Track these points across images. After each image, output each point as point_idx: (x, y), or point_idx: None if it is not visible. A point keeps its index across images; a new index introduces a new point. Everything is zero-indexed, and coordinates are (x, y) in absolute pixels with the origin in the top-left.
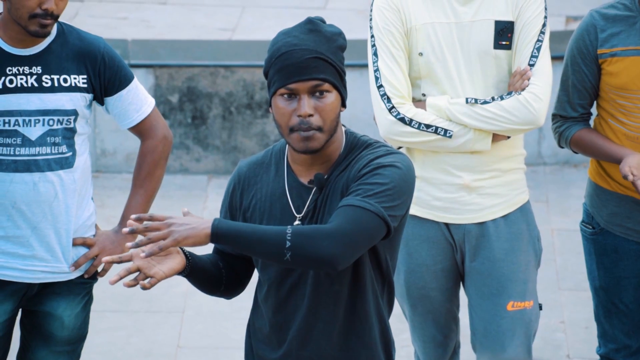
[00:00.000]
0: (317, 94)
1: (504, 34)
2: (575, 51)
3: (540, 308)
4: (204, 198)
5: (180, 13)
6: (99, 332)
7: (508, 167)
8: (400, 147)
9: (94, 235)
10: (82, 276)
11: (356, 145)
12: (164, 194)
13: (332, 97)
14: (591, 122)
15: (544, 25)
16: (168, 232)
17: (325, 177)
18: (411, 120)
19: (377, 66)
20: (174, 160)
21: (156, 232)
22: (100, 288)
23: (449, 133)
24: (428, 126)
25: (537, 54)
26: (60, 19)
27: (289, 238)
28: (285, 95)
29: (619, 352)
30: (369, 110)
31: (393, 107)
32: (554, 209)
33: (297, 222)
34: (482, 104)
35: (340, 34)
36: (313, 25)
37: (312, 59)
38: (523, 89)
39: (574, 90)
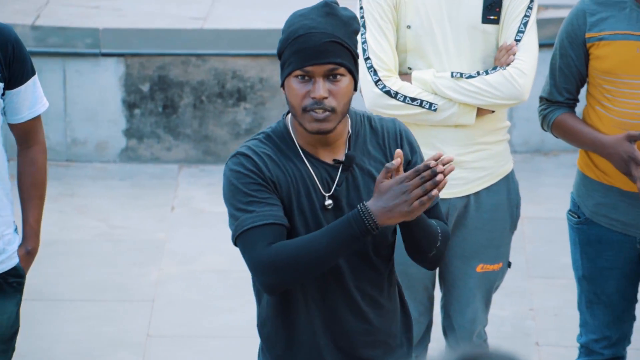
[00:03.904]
0: (332, 77)
1: (492, 8)
2: (564, 35)
3: (509, 266)
4: (174, 187)
5: (153, 2)
6: (69, 322)
7: (494, 140)
8: None
9: (17, 232)
10: (10, 273)
11: (359, 119)
12: (135, 183)
13: (346, 80)
14: (579, 112)
15: (531, 1)
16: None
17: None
18: (397, 93)
19: (365, 38)
20: (145, 149)
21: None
22: (70, 278)
23: (434, 106)
24: (413, 99)
25: (523, 30)
26: (29, 8)
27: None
28: (300, 77)
29: (599, 343)
30: None
31: (379, 79)
32: (524, 197)
33: (328, 202)
34: (467, 78)
35: (354, 17)
36: (330, 9)
37: (329, 43)
38: (508, 64)
39: (561, 74)
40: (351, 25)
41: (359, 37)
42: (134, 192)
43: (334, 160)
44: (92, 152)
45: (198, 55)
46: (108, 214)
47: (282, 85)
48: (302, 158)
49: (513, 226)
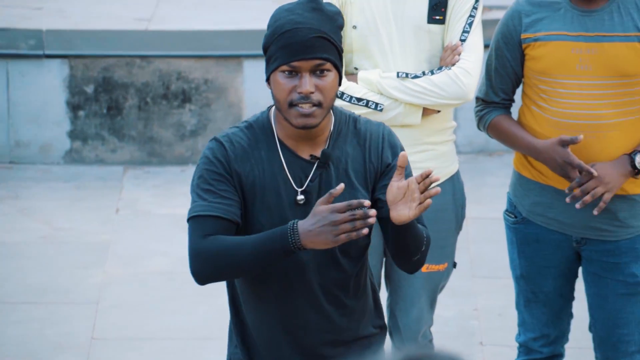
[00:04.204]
0: (318, 72)
1: (437, 8)
2: (499, 36)
3: (454, 266)
4: (119, 189)
5: (97, 3)
6: (11, 325)
7: (440, 140)
8: None
9: None
10: None
11: (343, 118)
12: (80, 185)
13: (332, 76)
14: (515, 112)
15: (476, 1)
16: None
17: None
18: (342, 93)
19: None
20: (89, 151)
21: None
22: (14, 280)
23: (380, 107)
24: (359, 100)
25: (468, 30)
26: None
27: (425, 243)
28: (287, 72)
29: (537, 341)
30: None
31: None
32: (468, 197)
33: (300, 197)
34: (412, 78)
35: (339, 13)
36: (316, 4)
37: (316, 38)
38: (453, 64)
39: (497, 75)
40: (336, 21)
41: None
42: (78, 194)
43: (311, 155)
44: (35, 153)
45: (142, 57)
46: (52, 216)
47: (267, 80)
48: (279, 152)
49: (458, 227)
